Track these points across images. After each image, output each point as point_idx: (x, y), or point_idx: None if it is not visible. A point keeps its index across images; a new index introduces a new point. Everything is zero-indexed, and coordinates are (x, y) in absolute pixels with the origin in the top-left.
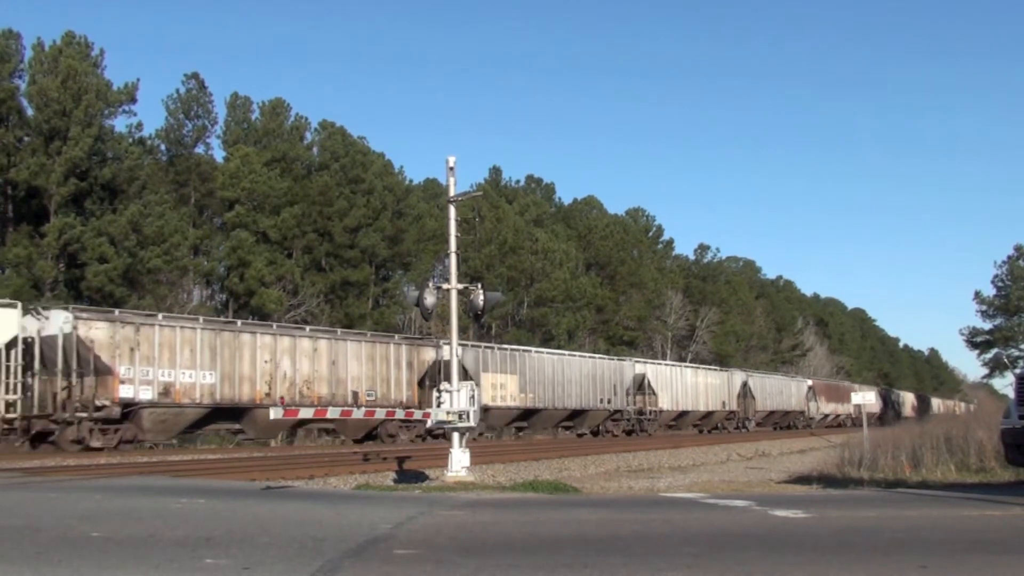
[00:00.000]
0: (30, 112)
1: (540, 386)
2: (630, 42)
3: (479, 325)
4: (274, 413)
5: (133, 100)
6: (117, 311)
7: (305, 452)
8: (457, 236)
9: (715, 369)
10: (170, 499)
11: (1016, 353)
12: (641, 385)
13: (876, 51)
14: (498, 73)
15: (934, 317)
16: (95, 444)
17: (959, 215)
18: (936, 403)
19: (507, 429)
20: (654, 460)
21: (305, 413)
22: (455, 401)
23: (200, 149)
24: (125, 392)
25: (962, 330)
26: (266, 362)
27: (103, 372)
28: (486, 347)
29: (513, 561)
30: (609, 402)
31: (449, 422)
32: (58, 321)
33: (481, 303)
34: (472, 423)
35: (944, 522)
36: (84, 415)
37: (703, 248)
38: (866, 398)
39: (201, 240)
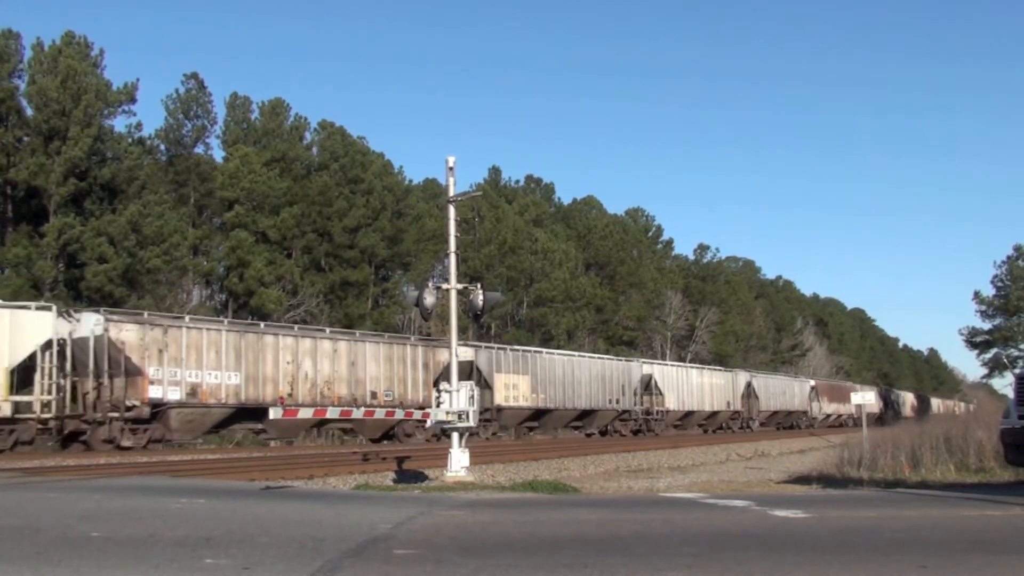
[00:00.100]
0: (29, 112)
1: (551, 386)
2: (630, 42)
3: (478, 325)
4: (273, 413)
5: (133, 100)
6: (146, 313)
7: (305, 452)
8: (457, 236)
9: (720, 370)
10: (170, 499)
11: (1015, 353)
12: (648, 385)
13: (876, 51)
14: (498, 73)
15: (934, 317)
16: (126, 443)
17: (959, 215)
18: (936, 403)
19: (519, 429)
20: (653, 460)
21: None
22: (455, 401)
23: (200, 149)
24: (154, 392)
25: (961, 330)
26: (288, 363)
27: (133, 373)
28: (499, 348)
29: (513, 561)
30: (617, 402)
31: (448, 422)
32: (89, 323)
33: (480, 303)
34: (472, 423)
35: (944, 522)
36: (115, 415)
37: (703, 248)
38: (866, 398)
39: (200, 240)
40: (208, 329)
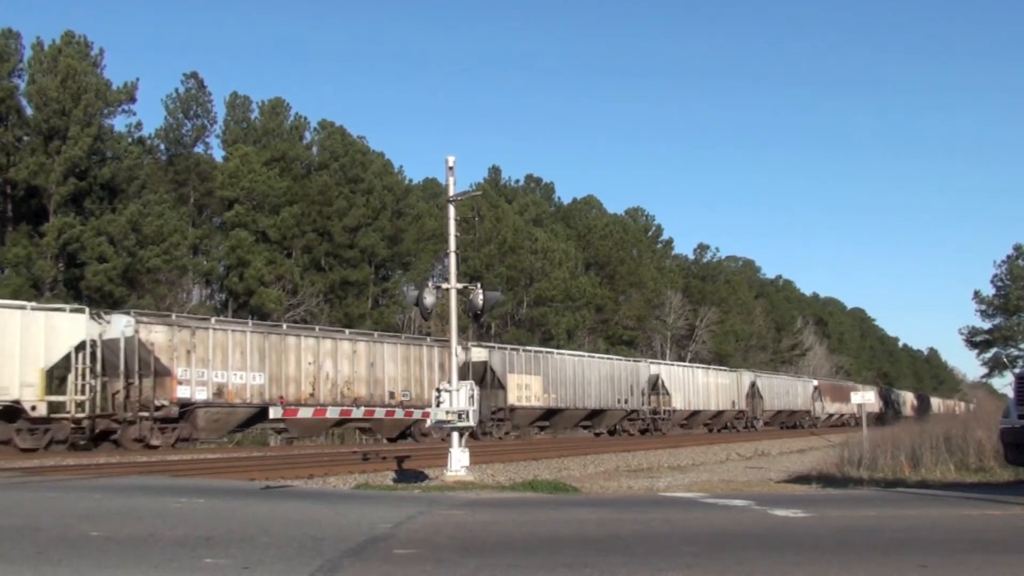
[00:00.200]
0: (29, 111)
1: (562, 387)
2: (630, 42)
3: (478, 325)
4: (273, 413)
5: (132, 99)
6: (174, 315)
7: (304, 452)
8: (456, 236)
9: (725, 370)
10: (170, 499)
11: (1015, 353)
12: (655, 385)
13: (876, 51)
14: (498, 73)
15: (933, 317)
16: (155, 442)
17: (959, 215)
18: (936, 403)
19: (530, 429)
20: (653, 460)
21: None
22: (454, 400)
23: (199, 148)
24: (182, 392)
25: (961, 330)
26: (309, 364)
27: (162, 374)
28: (511, 349)
29: (513, 561)
30: (626, 402)
31: (448, 421)
32: (119, 325)
33: (480, 303)
34: (472, 423)
35: (944, 522)
36: (145, 415)
37: (702, 248)
38: (866, 398)
39: (200, 239)
40: (234, 331)
